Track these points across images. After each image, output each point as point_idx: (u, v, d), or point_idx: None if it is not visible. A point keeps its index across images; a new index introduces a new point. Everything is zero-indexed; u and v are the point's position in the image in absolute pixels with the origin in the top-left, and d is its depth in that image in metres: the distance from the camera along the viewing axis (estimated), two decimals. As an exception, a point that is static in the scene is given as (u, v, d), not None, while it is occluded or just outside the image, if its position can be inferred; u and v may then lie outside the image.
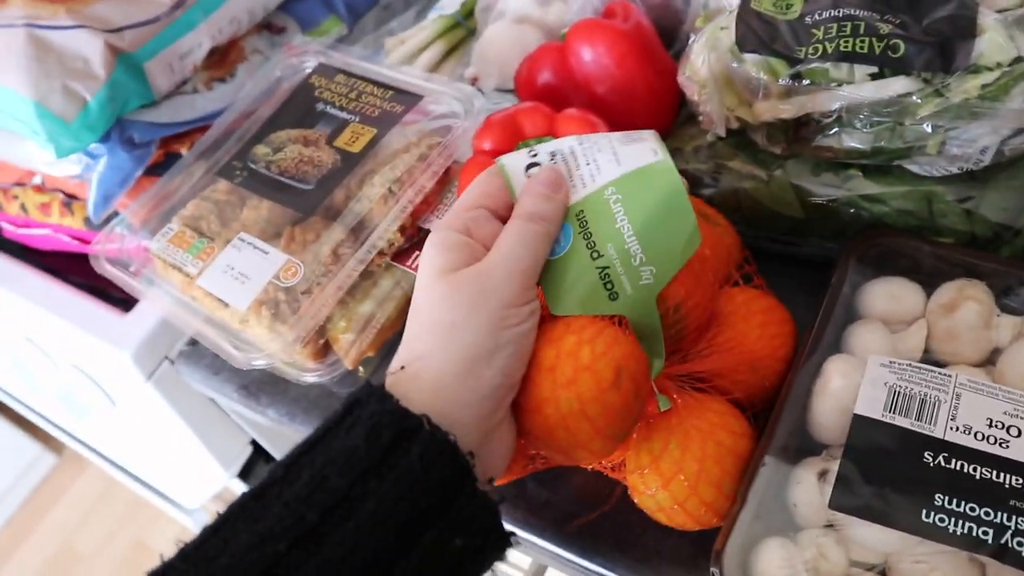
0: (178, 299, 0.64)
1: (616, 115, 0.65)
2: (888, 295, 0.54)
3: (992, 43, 0.50)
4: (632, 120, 0.66)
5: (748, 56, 0.55)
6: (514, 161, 0.50)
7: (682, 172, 0.62)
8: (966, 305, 0.51)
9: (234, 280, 0.60)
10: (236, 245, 0.62)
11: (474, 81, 0.74)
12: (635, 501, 0.52)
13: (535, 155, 0.50)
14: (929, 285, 0.53)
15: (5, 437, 1.89)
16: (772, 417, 0.50)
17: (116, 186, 0.74)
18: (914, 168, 0.55)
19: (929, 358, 0.52)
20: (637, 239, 0.47)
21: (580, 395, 0.44)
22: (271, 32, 0.82)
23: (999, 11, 0.52)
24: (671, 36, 0.72)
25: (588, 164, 0.50)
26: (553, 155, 0.50)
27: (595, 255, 0.47)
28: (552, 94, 0.67)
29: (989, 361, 0.51)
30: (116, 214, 0.71)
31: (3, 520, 1.94)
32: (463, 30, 0.82)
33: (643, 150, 0.50)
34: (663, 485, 0.49)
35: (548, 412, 0.45)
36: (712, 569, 0.46)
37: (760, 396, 0.52)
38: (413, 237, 0.65)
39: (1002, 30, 0.50)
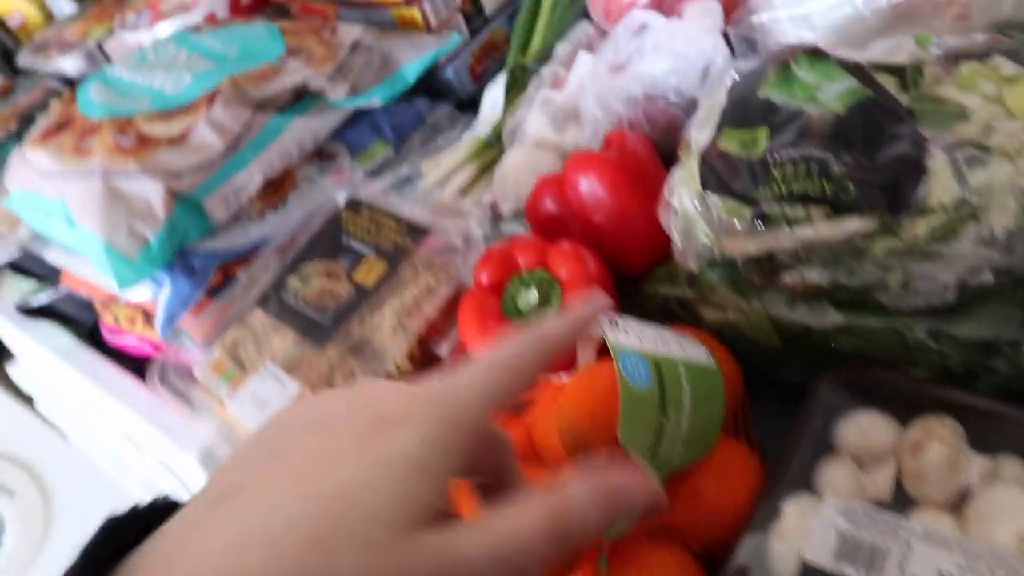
0: (217, 421, 0.71)
1: (614, 243, 0.68)
2: (858, 429, 0.53)
3: (939, 184, 0.50)
4: (630, 247, 0.69)
5: (711, 196, 0.57)
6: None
7: (669, 299, 0.65)
8: (931, 446, 0.50)
9: (256, 407, 0.67)
10: (261, 373, 0.69)
11: (494, 207, 0.79)
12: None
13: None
14: (903, 419, 0.53)
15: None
16: (727, 557, 0.51)
17: (179, 307, 0.83)
18: (885, 300, 0.55)
19: (903, 495, 0.51)
20: (689, 423, 0.52)
21: None
22: (321, 159, 0.90)
23: (947, 147, 0.51)
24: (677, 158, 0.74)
25: (656, 335, 0.54)
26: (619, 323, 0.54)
27: (662, 409, 0.51)
28: (555, 223, 0.70)
29: (961, 501, 0.50)
30: (181, 331, 0.80)
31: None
32: (495, 151, 0.87)
33: (700, 352, 0.56)
34: None
35: None
36: None
37: (718, 546, 0.53)
38: (422, 362, 0.70)
39: (949, 171, 0.50)
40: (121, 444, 1.06)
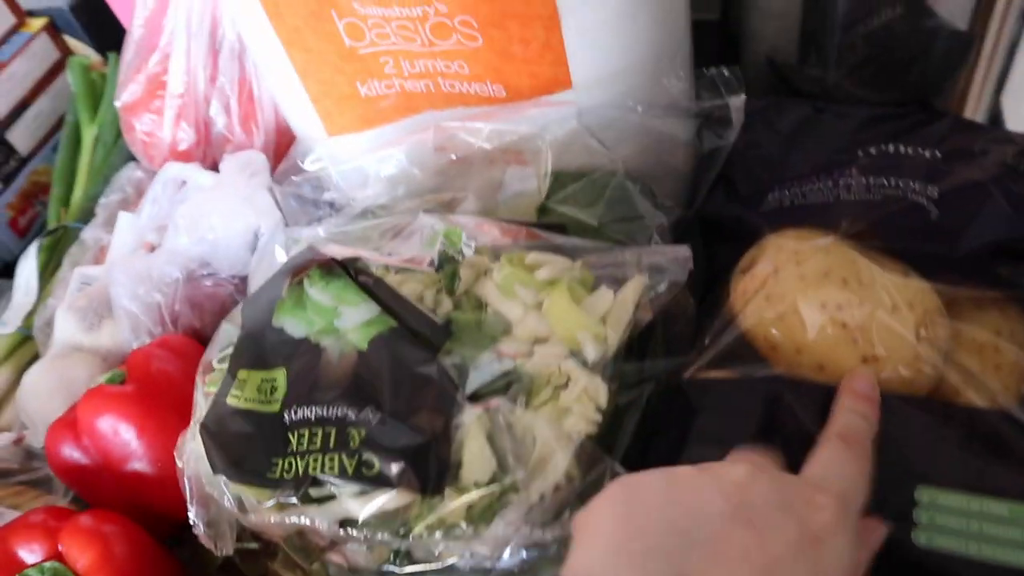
0: None
1: (158, 490, 0.55)
2: None
3: (471, 456, 0.42)
4: (177, 501, 0.56)
5: (223, 477, 0.45)
6: None
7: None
8: None
9: None
10: None
11: (19, 442, 0.62)
12: None
13: None
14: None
15: None
16: None
17: None
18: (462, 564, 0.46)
19: None
20: None
21: None
22: None
23: (483, 384, 0.43)
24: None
25: None
26: None
27: None
28: (85, 473, 0.56)
29: None
30: None
31: None
32: (34, 344, 0.70)
33: None
34: None
35: None
36: None
37: None
38: None
39: (482, 433, 0.42)
40: None
